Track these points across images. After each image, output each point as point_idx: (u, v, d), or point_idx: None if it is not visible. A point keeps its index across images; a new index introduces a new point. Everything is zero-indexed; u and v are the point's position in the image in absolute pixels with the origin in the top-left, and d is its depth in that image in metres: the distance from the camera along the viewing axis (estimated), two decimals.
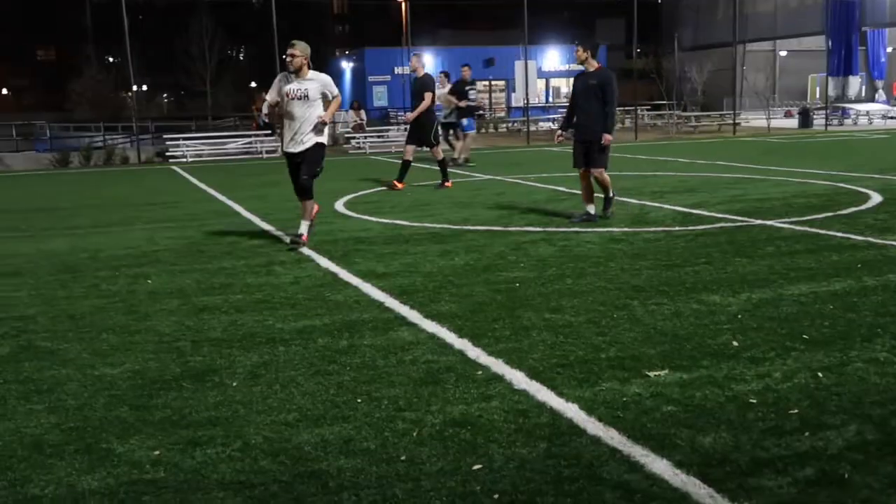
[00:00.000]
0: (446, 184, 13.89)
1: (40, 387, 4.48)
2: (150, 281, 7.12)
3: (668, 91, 38.51)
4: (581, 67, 9.64)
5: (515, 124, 40.00)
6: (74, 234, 10.12)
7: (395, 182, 13.93)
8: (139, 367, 4.77)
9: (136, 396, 4.29)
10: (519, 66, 40.46)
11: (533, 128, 30.94)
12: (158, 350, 5.09)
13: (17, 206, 13.69)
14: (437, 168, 14.19)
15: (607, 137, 9.38)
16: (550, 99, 50.35)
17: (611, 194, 9.92)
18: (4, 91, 79.49)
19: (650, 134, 32.00)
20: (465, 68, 18.66)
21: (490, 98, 50.33)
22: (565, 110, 10.44)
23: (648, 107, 40.09)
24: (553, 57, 51.08)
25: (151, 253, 8.50)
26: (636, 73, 34.10)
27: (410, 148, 14.07)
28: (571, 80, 10.63)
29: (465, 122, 18.45)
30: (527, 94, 32.05)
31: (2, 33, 67.81)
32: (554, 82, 51.38)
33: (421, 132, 13.95)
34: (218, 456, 3.54)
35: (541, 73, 49.56)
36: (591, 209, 9.62)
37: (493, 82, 50.18)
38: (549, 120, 39.65)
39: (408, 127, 14.64)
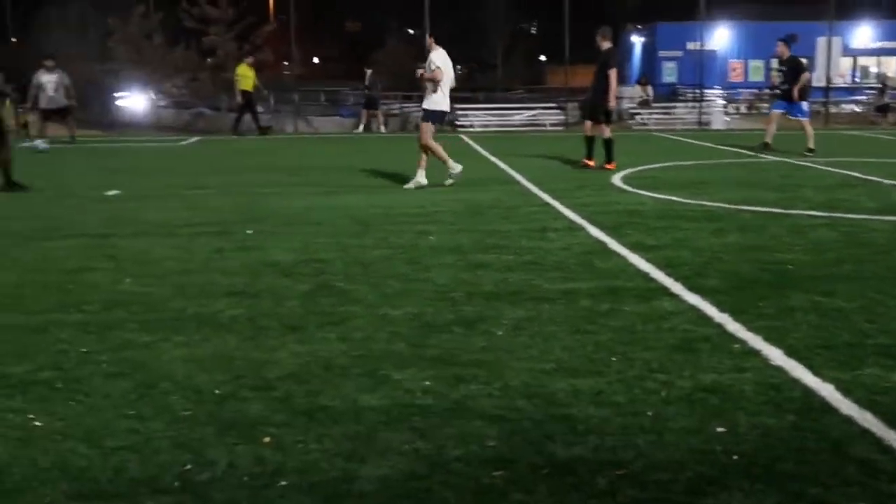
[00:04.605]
0: (607, 165, 13.53)
1: (333, 319, 5.11)
2: (431, 237, 7.71)
3: None
4: None
5: (814, 105, 37.59)
6: (369, 191, 11.04)
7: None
8: (417, 310, 5.28)
9: (413, 335, 4.78)
10: (821, 42, 37.89)
11: (834, 110, 29.06)
12: (435, 298, 5.58)
13: (320, 164, 15.09)
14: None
15: None
16: (857, 79, 46.75)
17: None
18: (315, 60, 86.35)
19: None
20: (781, 44, 16.22)
21: None
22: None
23: None
24: (864, 33, 47.25)
25: (435, 213, 9.13)
26: None
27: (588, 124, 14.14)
28: (881, 58, 9.43)
29: (803, 105, 16.16)
30: (828, 74, 29.95)
31: (314, 8, 73.54)
32: (862, 61, 47.60)
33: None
34: (479, 392, 3.92)
35: (848, 51, 46.05)
36: None
37: None
38: (853, 102, 36.89)
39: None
